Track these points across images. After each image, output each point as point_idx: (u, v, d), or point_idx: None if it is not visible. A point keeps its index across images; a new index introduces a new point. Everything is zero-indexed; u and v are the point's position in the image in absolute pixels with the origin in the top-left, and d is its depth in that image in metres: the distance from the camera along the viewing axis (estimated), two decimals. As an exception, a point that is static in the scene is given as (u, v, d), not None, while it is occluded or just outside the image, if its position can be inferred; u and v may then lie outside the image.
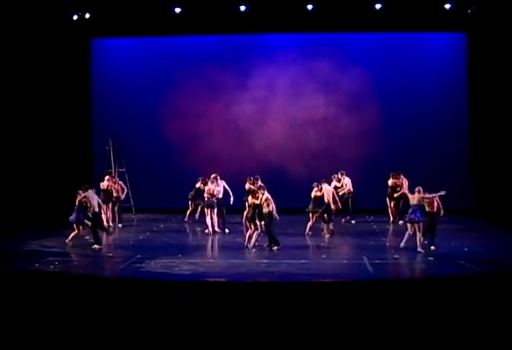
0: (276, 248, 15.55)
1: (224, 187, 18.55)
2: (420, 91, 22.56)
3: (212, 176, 18.53)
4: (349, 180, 19.96)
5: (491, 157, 21.46)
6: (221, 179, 18.78)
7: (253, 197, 15.81)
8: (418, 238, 15.11)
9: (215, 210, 18.12)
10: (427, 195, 15.22)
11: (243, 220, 16.64)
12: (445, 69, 22.65)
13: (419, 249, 15.01)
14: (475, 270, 13.06)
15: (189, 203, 19.93)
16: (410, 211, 15.38)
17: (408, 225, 15.55)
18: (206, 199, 18.24)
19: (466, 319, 8.58)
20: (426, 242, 15.29)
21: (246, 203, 16.89)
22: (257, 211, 15.68)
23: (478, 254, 14.75)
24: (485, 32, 21.25)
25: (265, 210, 15.51)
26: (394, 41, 22.87)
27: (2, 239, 16.27)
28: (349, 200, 19.85)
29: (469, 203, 21.86)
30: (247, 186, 18.89)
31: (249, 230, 15.90)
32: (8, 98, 20.51)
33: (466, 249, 15.29)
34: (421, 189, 15.32)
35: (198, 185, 19.46)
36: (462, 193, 21.79)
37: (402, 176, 19.58)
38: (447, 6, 20.63)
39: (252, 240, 15.71)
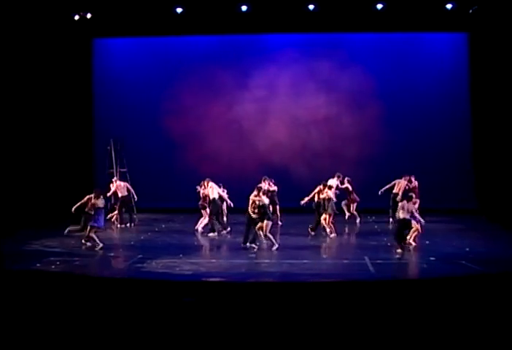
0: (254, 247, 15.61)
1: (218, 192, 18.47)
2: (422, 91, 22.58)
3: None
4: (333, 183, 19.04)
5: (492, 157, 21.47)
6: (212, 181, 18.77)
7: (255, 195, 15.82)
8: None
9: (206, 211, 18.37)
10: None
11: None
12: (446, 69, 22.67)
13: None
14: (477, 270, 13.05)
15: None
16: None
17: None
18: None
19: (468, 319, 8.58)
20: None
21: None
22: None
23: (479, 254, 14.74)
24: (486, 32, 21.25)
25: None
26: (396, 41, 22.90)
27: (4, 239, 16.29)
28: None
29: (470, 203, 21.86)
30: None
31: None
32: (10, 98, 20.53)
33: (467, 249, 15.28)
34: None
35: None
36: (463, 193, 21.83)
37: (403, 179, 19.52)
38: (448, 6, 20.64)
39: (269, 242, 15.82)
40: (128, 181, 21.04)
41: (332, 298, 10.27)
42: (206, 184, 18.21)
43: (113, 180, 19.88)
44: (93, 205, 15.91)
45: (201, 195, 18.31)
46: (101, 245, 15.87)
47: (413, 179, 19.57)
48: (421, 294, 10.44)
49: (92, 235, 15.91)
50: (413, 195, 15.91)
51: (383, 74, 22.87)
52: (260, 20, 21.70)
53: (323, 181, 17.98)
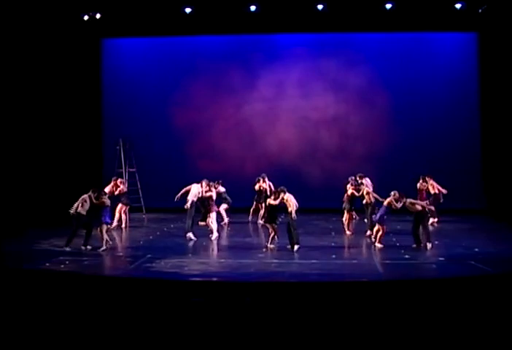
0: (296, 247, 15.61)
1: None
2: (431, 91, 22.53)
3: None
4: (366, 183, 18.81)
5: (501, 157, 21.43)
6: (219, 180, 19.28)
7: (274, 198, 15.77)
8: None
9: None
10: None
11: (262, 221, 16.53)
12: (455, 69, 22.60)
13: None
14: (486, 271, 13.01)
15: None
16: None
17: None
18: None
19: (477, 320, 8.56)
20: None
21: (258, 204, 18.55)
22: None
23: (488, 254, 14.69)
24: (496, 31, 21.20)
25: (289, 209, 15.60)
26: (405, 40, 22.84)
27: (14, 238, 16.40)
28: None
29: (479, 203, 21.79)
30: (257, 187, 19.22)
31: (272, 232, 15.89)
32: (19, 98, 20.62)
33: (477, 250, 15.23)
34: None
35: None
36: (472, 193, 21.76)
37: (427, 179, 19.55)
38: (458, 5, 20.57)
39: (271, 241, 15.84)
40: (136, 181, 21.33)
41: (341, 298, 10.27)
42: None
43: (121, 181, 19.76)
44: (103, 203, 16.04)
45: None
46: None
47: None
48: (431, 294, 10.43)
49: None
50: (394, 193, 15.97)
51: (391, 73, 22.83)
52: (269, 19, 21.69)
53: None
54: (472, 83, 22.46)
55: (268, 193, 19.09)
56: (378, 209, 16.69)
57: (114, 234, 18.24)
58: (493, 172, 21.88)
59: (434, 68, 22.63)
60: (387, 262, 14.13)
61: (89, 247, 15.81)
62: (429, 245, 15.43)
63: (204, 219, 17.79)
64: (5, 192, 19.55)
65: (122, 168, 21.53)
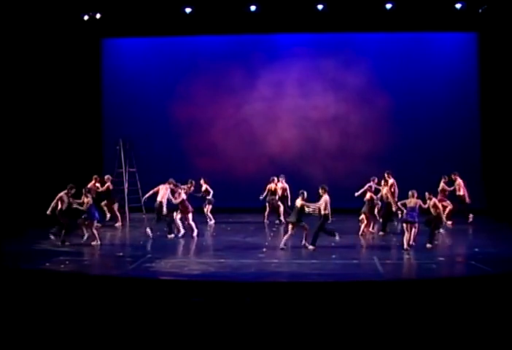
0: (311, 248, 15.66)
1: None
2: (431, 90, 22.53)
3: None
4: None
5: (502, 157, 21.43)
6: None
7: (302, 199, 15.79)
8: (405, 237, 15.36)
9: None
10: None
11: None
12: (455, 69, 22.61)
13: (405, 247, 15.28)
14: (486, 271, 13.01)
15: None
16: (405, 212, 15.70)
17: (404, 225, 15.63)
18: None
19: (476, 320, 8.56)
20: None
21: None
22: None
23: (488, 254, 14.68)
24: (496, 31, 21.20)
25: (322, 212, 15.61)
26: (405, 40, 22.84)
27: (13, 238, 16.41)
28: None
29: (479, 203, 21.75)
30: (272, 186, 19.62)
31: (290, 232, 15.84)
32: (19, 98, 20.61)
33: (477, 249, 15.23)
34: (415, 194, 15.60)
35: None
36: (472, 193, 21.69)
37: (453, 178, 19.50)
38: (458, 5, 20.57)
39: (303, 240, 15.91)
40: (137, 181, 21.32)
41: (341, 298, 10.27)
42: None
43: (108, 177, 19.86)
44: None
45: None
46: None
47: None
48: (431, 294, 10.43)
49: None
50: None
51: (391, 73, 22.83)
52: (269, 19, 21.69)
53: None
54: (472, 83, 22.47)
55: (280, 194, 19.46)
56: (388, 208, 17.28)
57: (113, 233, 18.26)
58: (493, 172, 21.88)
59: (434, 68, 22.63)
60: (387, 262, 14.13)
61: (67, 243, 16.24)
62: (428, 245, 15.42)
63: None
64: (5, 193, 19.55)
65: (122, 168, 21.52)
